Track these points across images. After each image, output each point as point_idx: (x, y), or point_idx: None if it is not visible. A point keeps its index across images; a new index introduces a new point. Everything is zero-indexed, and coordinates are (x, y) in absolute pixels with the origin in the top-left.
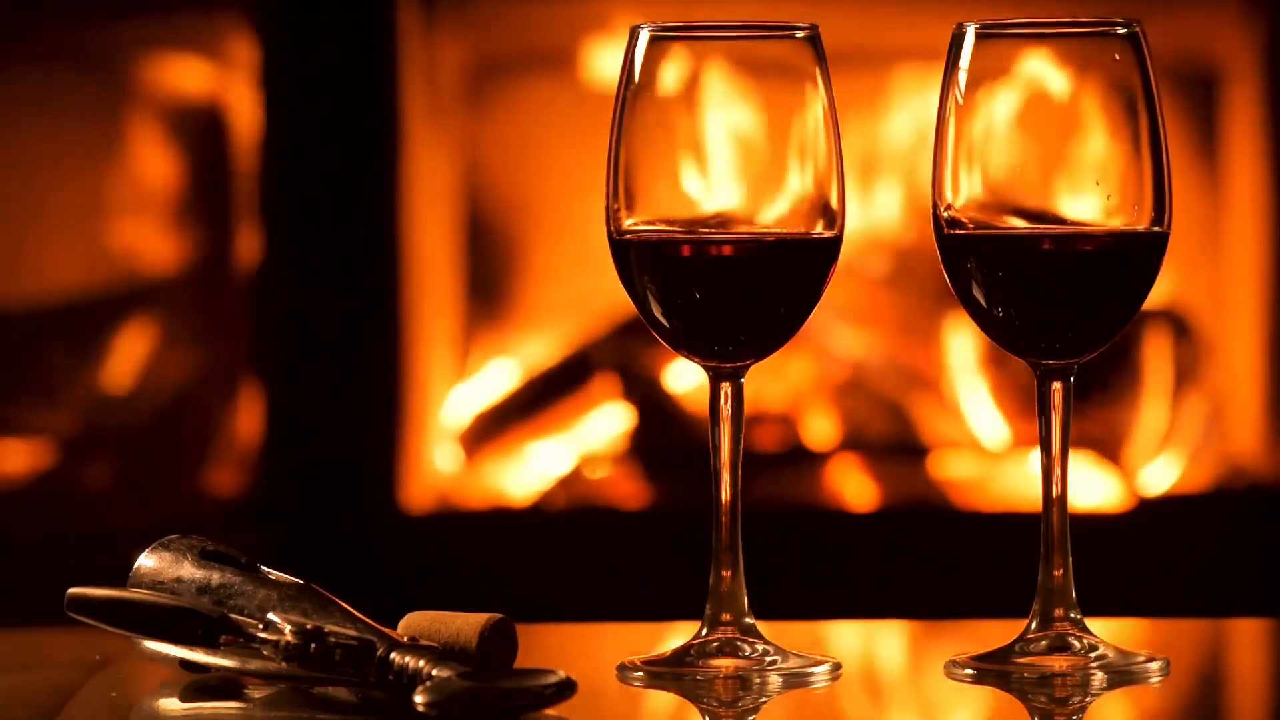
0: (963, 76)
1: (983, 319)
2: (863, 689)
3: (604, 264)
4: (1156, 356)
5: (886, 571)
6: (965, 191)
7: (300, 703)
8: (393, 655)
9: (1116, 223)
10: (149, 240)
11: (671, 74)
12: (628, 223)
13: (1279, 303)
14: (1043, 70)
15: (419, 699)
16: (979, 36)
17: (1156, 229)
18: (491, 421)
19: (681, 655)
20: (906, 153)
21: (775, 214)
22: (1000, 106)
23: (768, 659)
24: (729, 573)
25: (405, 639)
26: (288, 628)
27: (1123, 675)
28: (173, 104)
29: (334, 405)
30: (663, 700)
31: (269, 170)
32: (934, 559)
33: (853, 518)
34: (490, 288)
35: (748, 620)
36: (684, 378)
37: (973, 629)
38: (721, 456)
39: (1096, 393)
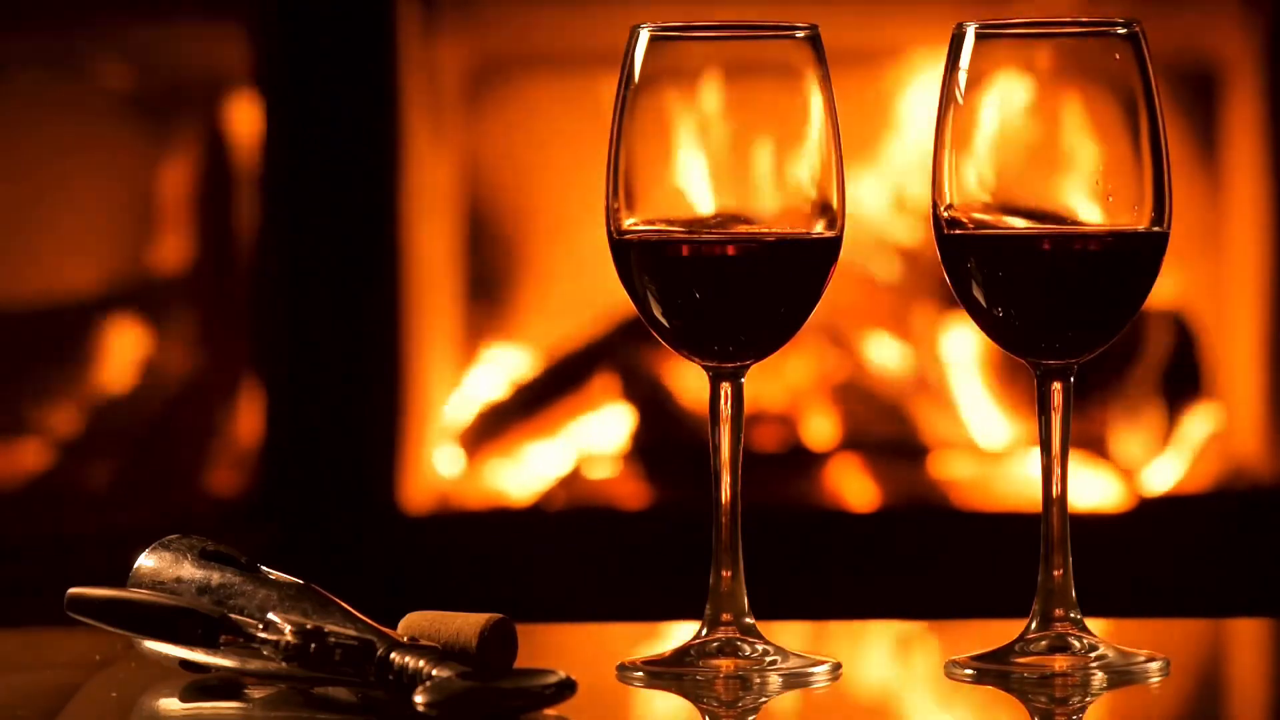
0: (963, 76)
1: (983, 319)
2: (863, 689)
3: (604, 264)
4: (1156, 356)
5: (886, 571)
6: (965, 191)
7: (300, 703)
8: (393, 655)
9: (1116, 223)
10: (149, 240)
11: (671, 74)
12: (628, 223)
13: (1279, 303)
14: (1043, 70)
15: (419, 699)
16: (979, 36)
17: (1156, 229)
18: (491, 421)
19: (681, 655)
20: (906, 152)
21: (775, 214)
22: (1000, 106)
23: (768, 659)
24: (729, 573)
25: (405, 639)
26: (288, 628)
27: (1123, 675)
28: (172, 105)
29: (334, 405)
30: (663, 700)
31: (269, 171)
32: (934, 559)
33: (853, 518)
34: (490, 288)
35: (748, 620)
36: (684, 378)
37: (973, 629)
38: (721, 456)
39: (1096, 393)
